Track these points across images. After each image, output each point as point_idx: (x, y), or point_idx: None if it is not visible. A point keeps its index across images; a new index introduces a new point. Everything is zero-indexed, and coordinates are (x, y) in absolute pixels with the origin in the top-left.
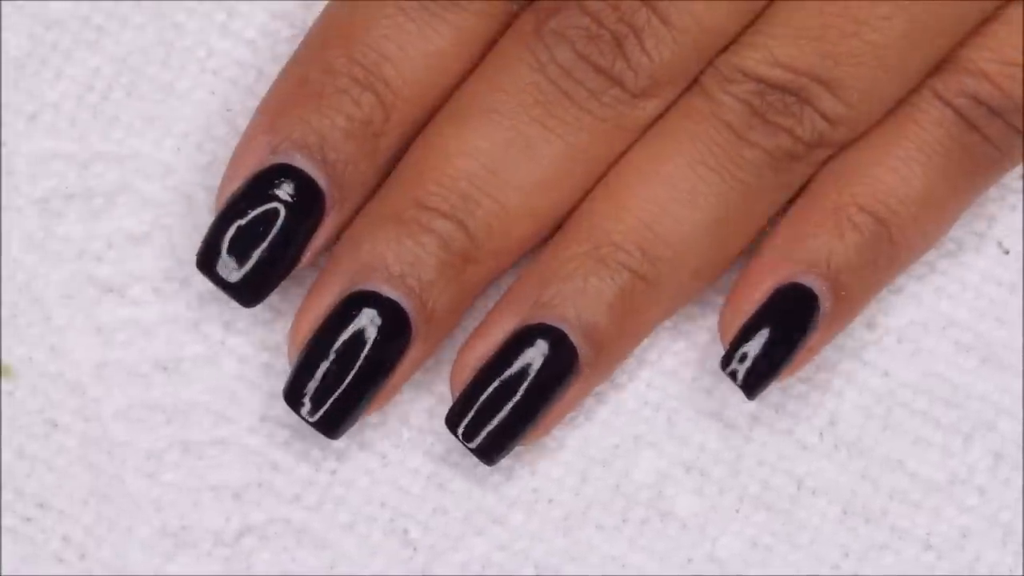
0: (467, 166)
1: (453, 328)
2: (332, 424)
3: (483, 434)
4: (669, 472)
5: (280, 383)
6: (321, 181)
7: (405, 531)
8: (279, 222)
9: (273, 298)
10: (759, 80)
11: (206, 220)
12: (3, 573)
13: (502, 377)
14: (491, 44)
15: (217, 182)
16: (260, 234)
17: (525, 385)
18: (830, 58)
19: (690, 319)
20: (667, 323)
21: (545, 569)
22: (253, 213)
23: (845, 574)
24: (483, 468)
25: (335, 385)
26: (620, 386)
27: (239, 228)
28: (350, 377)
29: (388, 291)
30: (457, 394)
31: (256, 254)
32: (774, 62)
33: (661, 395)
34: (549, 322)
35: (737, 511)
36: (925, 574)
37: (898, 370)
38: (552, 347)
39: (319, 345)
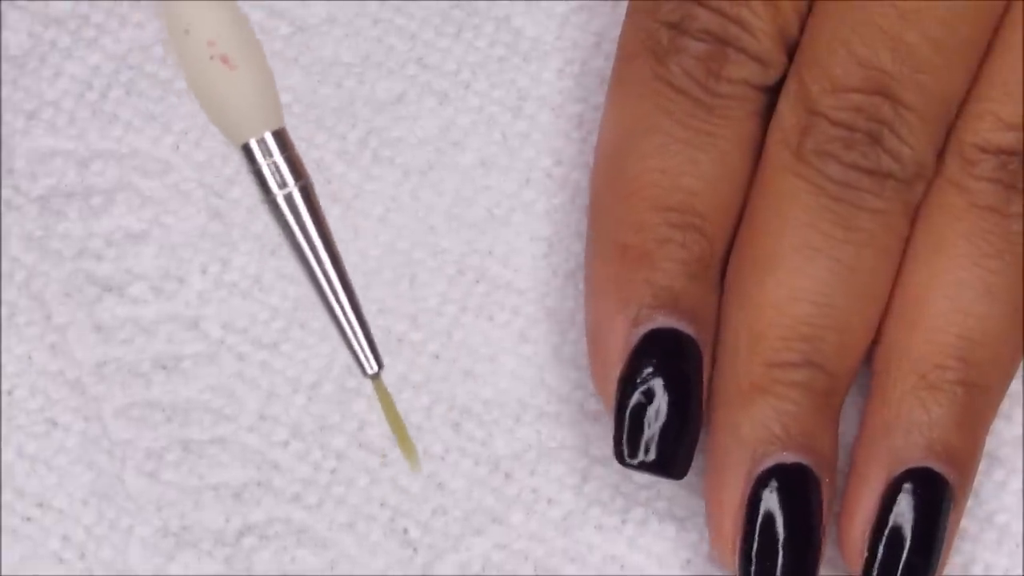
0: (801, 311)
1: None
2: None
3: None
4: None
5: (280, 382)
6: (690, 330)
7: (405, 531)
8: (672, 387)
9: (272, 297)
10: (997, 151)
11: (205, 218)
12: (3, 573)
13: (893, 535)
14: (763, 138)
15: (216, 179)
16: (660, 406)
17: (916, 532)
18: None
19: None
20: None
21: (545, 569)
22: (646, 389)
23: (841, 573)
24: (483, 467)
25: (777, 564)
26: None
27: (639, 410)
28: (789, 550)
29: (788, 457)
30: (858, 568)
31: (665, 426)
32: (1004, 126)
33: None
34: (914, 465)
35: None
36: None
37: None
38: (926, 487)
39: (748, 539)
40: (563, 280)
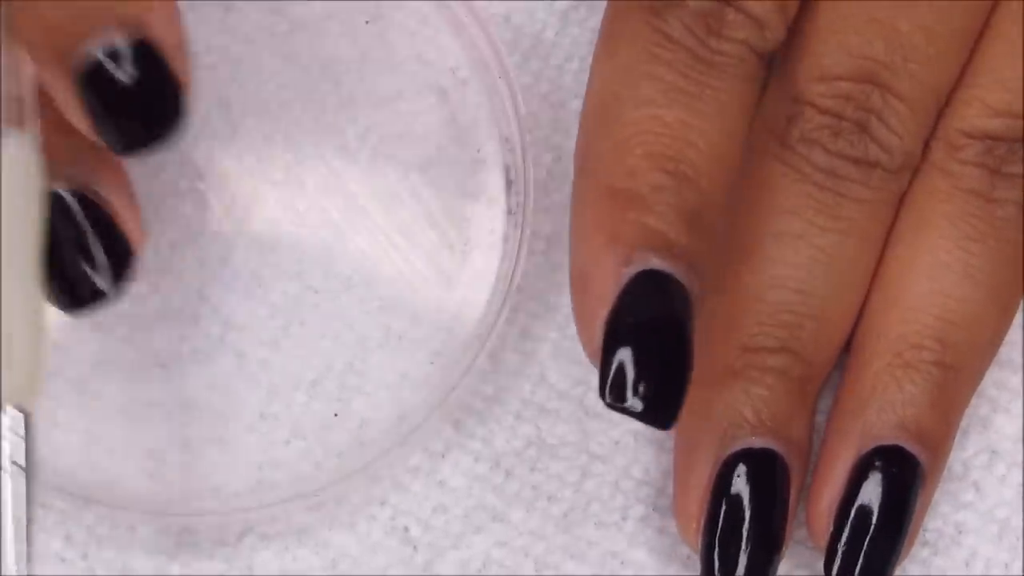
0: (779, 298)
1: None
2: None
3: (857, 571)
4: (669, 468)
5: (279, 379)
6: (681, 275)
7: (405, 529)
8: (666, 331)
9: (272, 293)
10: (984, 136)
11: (205, 215)
12: (3, 573)
13: (860, 513)
14: (756, 107)
15: (215, 176)
16: (654, 350)
17: (883, 510)
18: None
19: None
20: None
21: (545, 566)
22: (636, 332)
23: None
24: (483, 465)
25: (744, 548)
26: None
27: (627, 354)
28: (753, 534)
29: (756, 442)
30: (823, 544)
31: (654, 374)
32: (991, 113)
33: None
34: (884, 443)
35: None
36: (920, 571)
37: None
38: (896, 465)
39: (712, 522)
40: (564, 276)
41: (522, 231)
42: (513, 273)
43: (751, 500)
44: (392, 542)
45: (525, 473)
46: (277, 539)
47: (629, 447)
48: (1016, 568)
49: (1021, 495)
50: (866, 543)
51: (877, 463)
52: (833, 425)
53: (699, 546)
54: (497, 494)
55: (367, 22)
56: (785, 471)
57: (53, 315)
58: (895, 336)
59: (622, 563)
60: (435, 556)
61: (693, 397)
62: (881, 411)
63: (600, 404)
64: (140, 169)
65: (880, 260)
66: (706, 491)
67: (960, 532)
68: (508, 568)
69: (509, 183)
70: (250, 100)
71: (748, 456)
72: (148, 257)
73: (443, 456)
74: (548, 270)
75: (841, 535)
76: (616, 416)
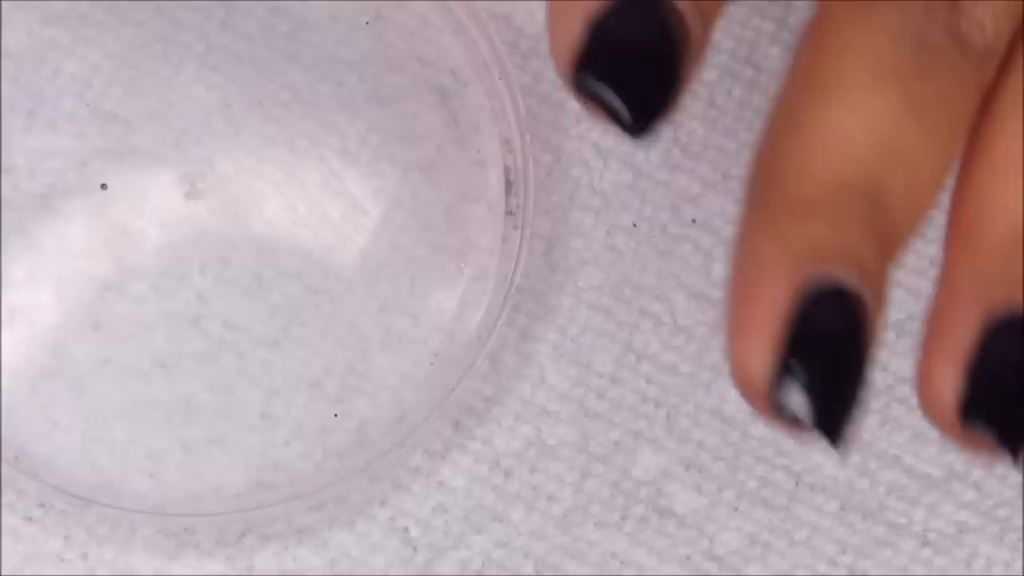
0: (870, 139)
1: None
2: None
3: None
4: (668, 469)
5: (279, 379)
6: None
7: (405, 529)
8: (653, 43)
9: (272, 294)
10: None
11: (205, 216)
12: (5, 574)
13: (992, 373)
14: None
15: (215, 176)
16: (638, 47)
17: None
18: None
19: (688, 314)
20: (666, 318)
21: (544, 566)
22: (627, 24)
23: (842, 570)
24: (482, 465)
25: (828, 386)
26: (620, 381)
27: (612, 43)
28: (841, 371)
29: (840, 271)
30: (939, 412)
31: (641, 68)
32: None
33: (660, 391)
34: (1017, 307)
35: (735, 508)
36: (922, 571)
37: (897, 365)
38: None
39: (799, 342)
40: (564, 276)
41: (522, 232)
42: (513, 274)
43: (836, 335)
44: (392, 542)
45: (525, 473)
46: (277, 539)
47: (629, 447)
48: (1017, 567)
49: (1022, 494)
50: (1007, 402)
51: (1010, 324)
52: (947, 298)
53: (769, 371)
54: (497, 494)
55: (367, 22)
56: (868, 310)
57: (52, 315)
58: (1004, 209)
59: (622, 563)
60: (435, 556)
61: (765, 228)
62: (1005, 273)
63: (600, 405)
64: (138, 169)
65: (980, 132)
66: (781, 311)
67: (961, 532)
68: (508, 568)
69: (509, 184)
70: (250, 100)
71: (831, 286)
72: (148, 257)
73: (443, 456)
74: (548, 271)
75: (980, 396)
76: (616, 416)
